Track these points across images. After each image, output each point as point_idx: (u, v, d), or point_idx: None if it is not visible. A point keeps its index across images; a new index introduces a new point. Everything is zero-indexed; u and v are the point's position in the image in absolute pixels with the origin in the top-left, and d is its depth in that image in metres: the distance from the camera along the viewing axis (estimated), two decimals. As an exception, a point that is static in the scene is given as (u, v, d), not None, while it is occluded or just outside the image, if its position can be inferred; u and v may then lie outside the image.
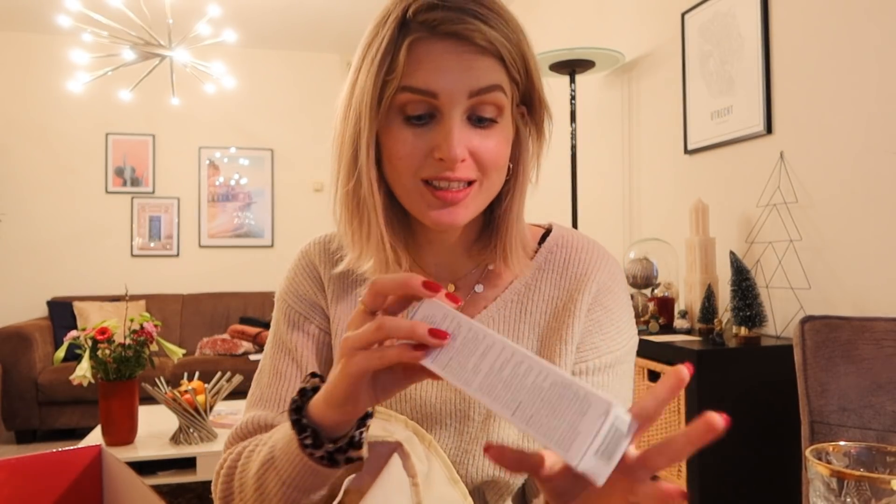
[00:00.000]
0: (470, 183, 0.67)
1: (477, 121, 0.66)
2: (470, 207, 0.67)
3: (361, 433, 0.59)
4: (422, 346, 0.51)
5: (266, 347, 0.81)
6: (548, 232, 0.81)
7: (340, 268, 0.75)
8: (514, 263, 0.73)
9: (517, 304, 0.76)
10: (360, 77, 0.67)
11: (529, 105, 0.72)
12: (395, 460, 0.60)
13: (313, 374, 0.61)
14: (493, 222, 0.74)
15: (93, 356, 2.17)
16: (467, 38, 0.63)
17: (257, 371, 0.81)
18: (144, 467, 2.20)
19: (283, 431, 0.63)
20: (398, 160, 0.66)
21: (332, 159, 0.72)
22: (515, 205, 0.72)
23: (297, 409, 0.58)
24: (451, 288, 0.78)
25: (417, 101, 0.64)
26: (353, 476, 0.63)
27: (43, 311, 4.58)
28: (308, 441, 0.57)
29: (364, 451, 0.59)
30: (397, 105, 0.65)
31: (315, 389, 0.59)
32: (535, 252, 0.79)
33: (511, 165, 0.72)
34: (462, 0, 0.64)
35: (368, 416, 0.59)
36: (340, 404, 0.55)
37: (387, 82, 0.65)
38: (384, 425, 0.66)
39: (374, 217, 0.69)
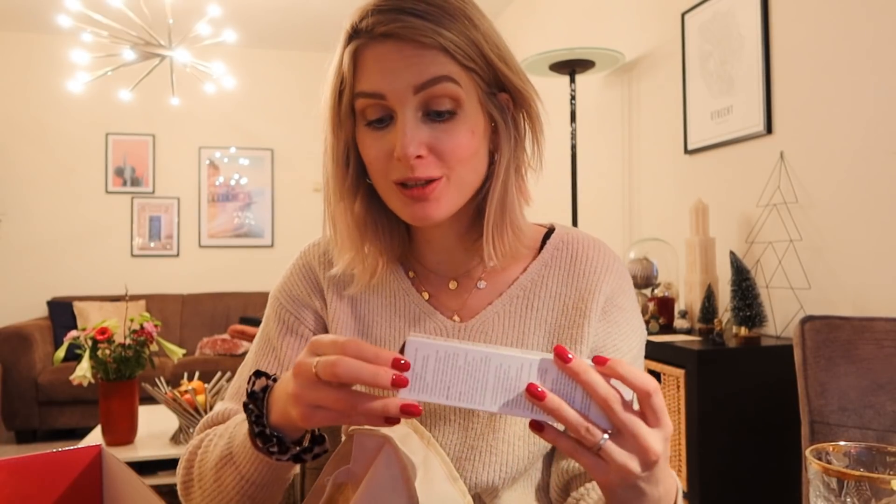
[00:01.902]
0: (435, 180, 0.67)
1: (435, 115, 0.66)
2: (441, 201, 0.67)
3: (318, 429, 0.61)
4: (392, 420, 0.52)
5: (254, 341, 0.82)
6: (551, 230, 0.81)
7: (334, 270, 0.77)
8: (496, 251, 0.72)
9: (523, 300, 0.76)
10: (324, 90, 0.71)
11: (509, 90, 0.71)
12: (385, 455, 0.60)
13: (258, 374, 0.62)
14: (481, 213, 0.74)
15: (93, 356, 2.17)
16: (404, 36, 0.64)
17: (243, 363, 0.82)
18: (144, 467, 2.20)
19: (242, 429, 0.64)
20: (369, 165, 0.69)
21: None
22: (495, 192, 0.71)
23: (258, 419, 0.59)
24: (454, 286, 0.78)
25: (372, 105, 0.66)
26: (340, 470, 0.63)
27: (43, 311, 4.58)
28: (274, 449, 0.59)
29: (327, 444, 0.61)
30: (359, 112, 0.68)
31: (264, 390, 0.61)
32: (540, 249, 0.79)
33: (495, 155, 0.72)
34: (398, 0, 0.65)
35: None
36: (299, 429, 0.58)
37: (342, 92, 0.68)
38: None
39: (342, 220, 0.72)
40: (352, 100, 0.67)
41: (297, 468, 0.67)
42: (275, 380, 0.61)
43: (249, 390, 0.60)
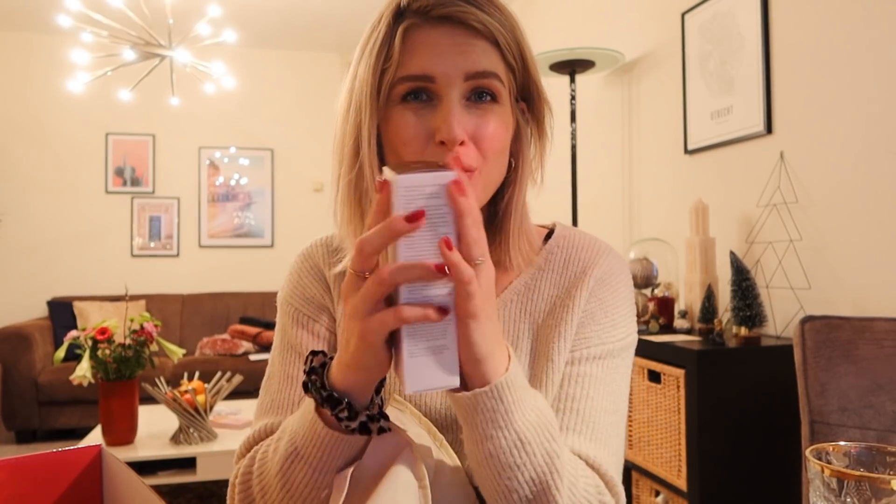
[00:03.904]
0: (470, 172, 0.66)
1: (476, 98, 0.66)
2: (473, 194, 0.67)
3: (382, 399, 0.60)
4: (443, 311, 0.51)
5: (273, 354, 0.79)
6: (552, 231, 0.80)
7: (340, 267, 0.75)
8: (518, 259, 0.72)
9: (517, 304, 0.76)
10: (360, 70, 0.68)
11: (529, 101, 0.72)
12: (404, 460, 0.60)
13: (314, 353, 0.61)
14: (495, 218, 0.73)
15: (93, 356, 2.18)
16: (461, 21, 0.64)
17: (265, 378, 0.79)
18: (144, 467, 2.20)
19: (302, 420, 0.62)
20: (401, 146, 0.66)
21: (332, 159, 0.72)
22: (517, 199, 0.72)
23: (322, 385, 0.58)
24: None
25: (415, 88, 0.65)
26: (355, 465, 0.62)
27: (43, 311, 4.58)
28: (344, 414, 0.57)
29: (391, 423, 0.59)
30: (397, 95, 0.66)
31: (323, 366, 0.59)
32: (539, 252, 0.78)
33: (512, 161, 0.72)
34: None
35: (382, 382, 0.60)
36: (367, 368, 0.55)
37: (385, 70, 0.65)
38: (399, 416, 0.65)
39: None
40: (392, 80, 0.65)
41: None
42: (331, 358, 0.60)
43: (308, 367, 0.60)
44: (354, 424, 0.57)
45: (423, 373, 0.53)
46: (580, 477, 0.63)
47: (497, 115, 0.66)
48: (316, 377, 0.59)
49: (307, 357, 0.60)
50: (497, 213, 0.73)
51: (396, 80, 0.65)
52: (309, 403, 0.60)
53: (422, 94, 0.65)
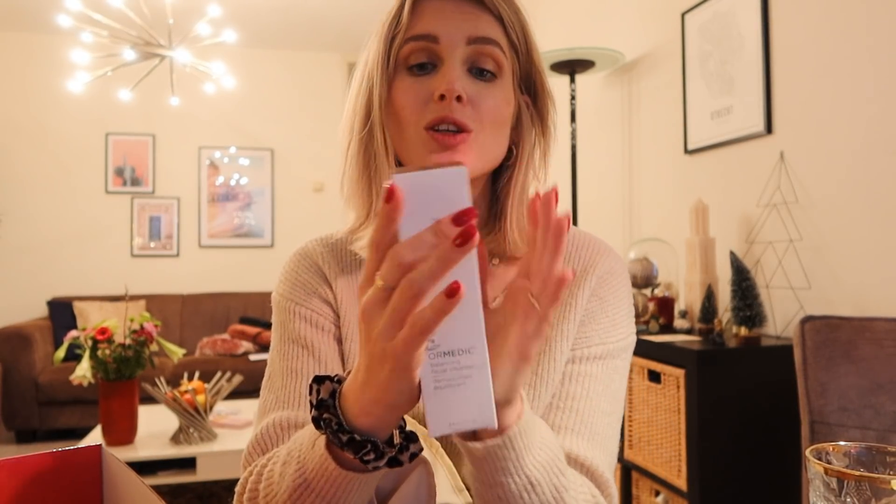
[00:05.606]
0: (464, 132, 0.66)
1: (477, 73, 0.68)
2: (468, 155, 0.67)
3: (404, 420, 0.53)
4: (453, 291, 0.41)
5: (271, 354, 0.76)
6: None
7: (363, 243, 0.74)
8: (521, 238, 0.72)
9: None
10: (372, 43, 0.71)
11: (533, 94, 0.73)
12: (417, 475, 0.58)
13: (318, 379, 0.53)
14: (496, 206, 0.74)
15: (93, 356, 2.18)
16: None
17: (265, 379, 0.75)
18: (144, 467, 2.20)
19: (311, 453, 0.55)
20: (402, 109, 0.67)
21: (343, 128, 0.74)
22: (516, 187, 0.72)
23: (340, 427, 0.50)
24: None
25: (420, 50, 0.67)
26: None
27: (43, 311, 4.58)
28: (370, 457, 0.50)
29: (422, 443, 0.52)
30: (402, 58, 0.68)
31: (333, 395, 0.52)
32: None
33: (513, 148, 0.73)
34: None
35: None
36: (396, 406, 0.48)
37: (394, 38, 0.69)
38: None
39: (384, 168, 0.70)
40: (400, 48, 0.68)
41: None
42: (339, 381, 0.52)
43: (316, 400, 0.51)
44: (382, 463, 0.50)
45: (451, 409, 0.45)
46: (579, 494, 0.61)
47: (499, 89, 0.68)
48: (329, 416, 0.50)
49: (311, 386, 0.52)
50: (499, 200, 0.74)
51: (402, 42, 0.68)
52: (320, 436, 0.53)
53: (427, 64, 0.67)
